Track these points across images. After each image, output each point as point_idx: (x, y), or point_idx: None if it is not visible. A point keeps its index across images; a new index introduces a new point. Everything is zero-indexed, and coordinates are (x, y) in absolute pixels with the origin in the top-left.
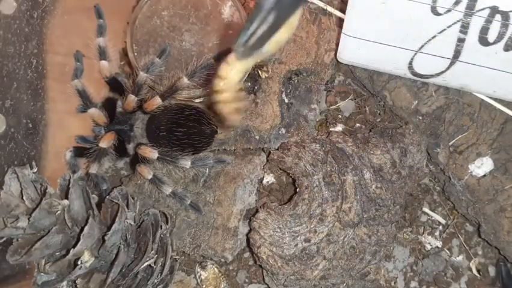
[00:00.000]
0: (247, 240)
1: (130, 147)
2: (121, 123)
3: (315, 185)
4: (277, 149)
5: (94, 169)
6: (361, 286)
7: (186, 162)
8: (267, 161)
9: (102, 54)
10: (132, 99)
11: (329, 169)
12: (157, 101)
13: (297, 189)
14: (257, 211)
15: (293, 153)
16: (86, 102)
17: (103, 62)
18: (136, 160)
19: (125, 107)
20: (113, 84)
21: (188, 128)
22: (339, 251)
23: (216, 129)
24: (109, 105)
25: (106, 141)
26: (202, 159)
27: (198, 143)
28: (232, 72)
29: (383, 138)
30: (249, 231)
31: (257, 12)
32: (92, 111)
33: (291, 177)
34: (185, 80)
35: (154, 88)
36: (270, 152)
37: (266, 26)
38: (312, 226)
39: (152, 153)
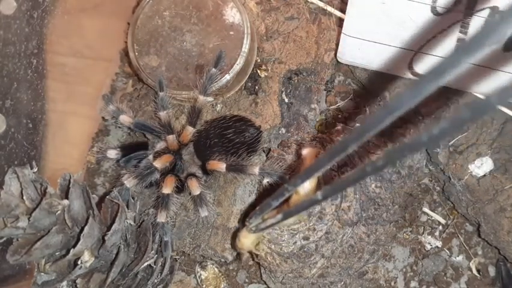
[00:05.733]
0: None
1: (183, 176)
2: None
3: None
4: (278, 147)
5: (162, 217)
6: (359, 285)
7: (255, 170)
8: (267, 158)
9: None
10: (173, 139)
11: (328, 168)
12: (190, 130)
13: None
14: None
15: (293, 151)
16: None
17: (122, 116)
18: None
19: (171, 148)
20: (139, 127)
21: (236, 127)
22: (338, 249)
23: (259, 125)
24: (140, 149)
25: (169, 187)
26: (268, 168)
27: (250, 139)
28: (246, 241)
29: (383, 138)
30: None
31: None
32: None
33: (291, 175)
34: (202, 98)
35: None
36: (270, 149)
37: (277, 220)
38: (311, 224)
39: (220, 164)
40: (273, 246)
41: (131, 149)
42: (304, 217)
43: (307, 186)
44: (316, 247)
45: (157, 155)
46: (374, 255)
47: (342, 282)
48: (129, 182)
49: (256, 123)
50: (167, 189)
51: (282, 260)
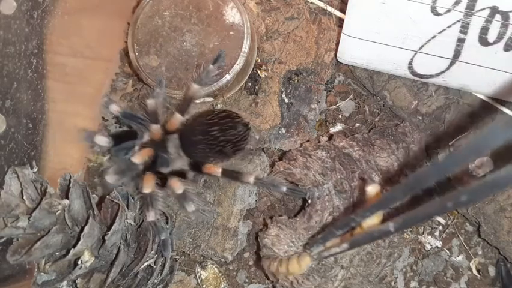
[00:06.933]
0: (255, 261)
1: (167, 170)
2: (156, 148)
3: (325, 194)
4: (282, 160)
5: (151, 216)
6: None
7: (251, 179)
8: (271, 172)
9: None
10: (156, 129)
11: (338, 177)
12: (178, 117)
13: (309, 201)
14: (267, 227)
15: (301, 163)
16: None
17: (112, 105)
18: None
19: (154, 138)
20: (127, 117)
21: (221, 124)
22: (356, 258)
23: (248, 122)
24: (131, 137)
25: (149, 185)
26: (264, 178)
27: (235, 137)
28: (304, 267)
29: (386, 140)
30: (257, 249)
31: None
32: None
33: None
34: (195, 87)
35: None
36: (274, 163)
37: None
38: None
39: (216, 169)
40: None
41: (122, 137)
42: None
43: (372, 220)
44: (335, 259)
45: (143, 146)
46: (391, 258)
47: None
48: (110, 178)
49: (244, 120)
50: (147, 188)
51: (304, 277)
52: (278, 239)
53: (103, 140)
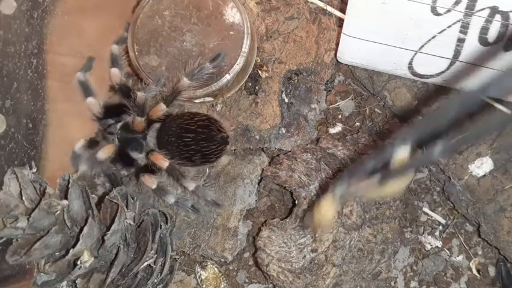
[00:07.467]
0: (255, 260)
1: (141, 157)
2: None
3: (312, 194)
4: (270, 165)
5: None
6: (375, 286)
7: (190, 184)
8: (262, 178)
9: (114, 61)
10: (139, 121)
11: (323, 176)
12: (162, 107)
13: (296, 201)
14: (260, 230)
15: (286, 166)
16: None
17: (114, 70)
18: (141, 170)
19: (136, 128)
20: (125, 90)
21: (197, 134)
22: (348, 255)
23: (227, 137)
24: (122, 112)
25: (106, 153)
26: (202, 192)
27: (207, 150)
28: (330, 212)
29: (371, 137)
30: (255, 251)
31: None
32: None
33: (287, 190)
34: (186, 81)
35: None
36: (263, 170)
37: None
38: (317, 236)
39: (163, 161)
40: (283, 265)
41: (114, 109)
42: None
43: (400, 155)
44: (326, 257)
45: (124, 126)
46: (385, 254)
47: (358, 287)
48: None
49: (225, 133)
50: (103, 154)
51: (295, 276)
52: (270, 240)
53: (94, 105)
